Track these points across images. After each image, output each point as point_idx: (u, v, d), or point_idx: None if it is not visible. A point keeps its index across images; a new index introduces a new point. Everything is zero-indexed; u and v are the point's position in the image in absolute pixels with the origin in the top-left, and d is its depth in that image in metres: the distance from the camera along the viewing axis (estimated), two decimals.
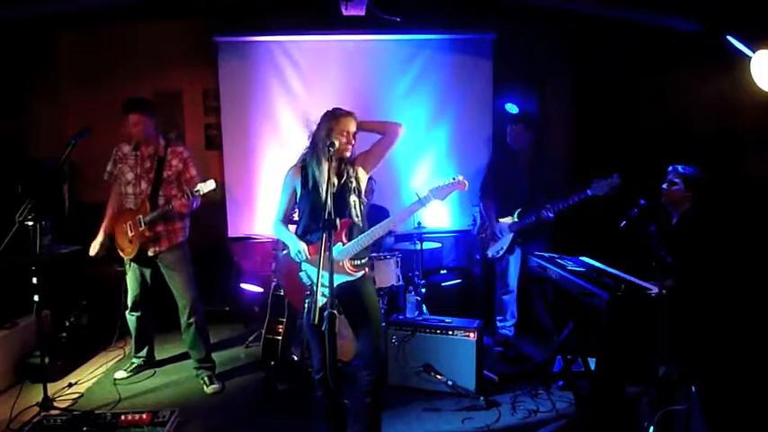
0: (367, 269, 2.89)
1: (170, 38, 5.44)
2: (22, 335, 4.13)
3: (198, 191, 3.62)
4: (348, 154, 2.86)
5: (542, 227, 4.40)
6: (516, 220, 4.47)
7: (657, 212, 3.54)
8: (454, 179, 2.78)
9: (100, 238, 3.97)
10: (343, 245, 2.80)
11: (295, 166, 2.95)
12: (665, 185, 3.52)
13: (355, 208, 2.87)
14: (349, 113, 2.86)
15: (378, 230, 2.79)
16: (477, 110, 5.55)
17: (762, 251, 3.52)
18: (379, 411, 2.92)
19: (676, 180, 3.48)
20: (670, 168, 3.54)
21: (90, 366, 4.36)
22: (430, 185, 2.81)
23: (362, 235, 2.80)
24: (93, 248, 3.97)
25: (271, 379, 4.04)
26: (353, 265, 2.83)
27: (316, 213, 2.81)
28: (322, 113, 2.90)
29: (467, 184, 2.79)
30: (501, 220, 4.57)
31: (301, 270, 2.87)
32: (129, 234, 3.86)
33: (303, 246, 2.84)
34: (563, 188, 4.37)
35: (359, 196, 2.90)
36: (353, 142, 2.86)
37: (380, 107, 5.45)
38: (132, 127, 3.80)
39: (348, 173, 2.88)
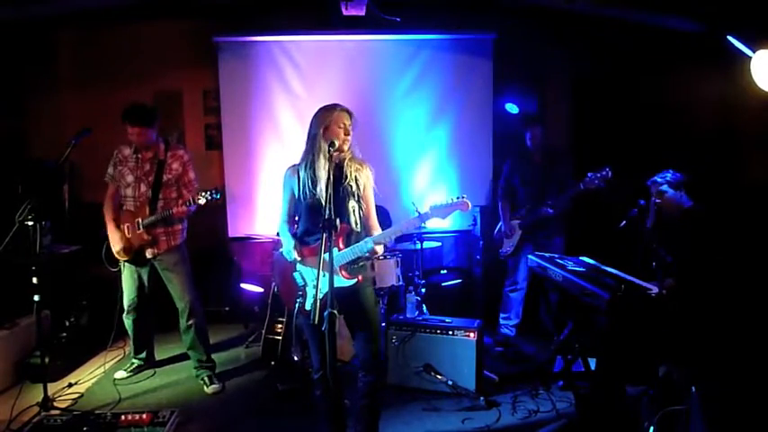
0: (361, 276, 2.82)
1: (170, 38, 5.44)
2: (22, 335, 4.12)
3: (199, 202, 3.62)
4: (346, 146, 2.79)
5: (550, 223, 4.45)
6: (524, 217, 4.53)
7: (656, 212, 3.55)
8: (458, 199, 2.71)
9: (115, 233, 3.88)
10: (339, 251, 2.75)
11: (292, 166, 2.92)
12: (657, 200, 3.51)
13: (354, 214, 2.82)
14: (344, 108, 2.82)
15: (372, 242, 2.74)
16: (477, 110, 5.54)
17: (761, 250, 3.53)
18: (377, 412, 2.92)
19: (663, 189, 3.50)
20: (648, 183, 3.56)
21: (90, 366, 4.36)
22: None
23: (356, 245, 2.75)
24: (115, 244, 3.88)
25: (271, 379, 4.04)
26: (348, 272, 2.79)
27: (314, 215, 2.78)
28: (315, 111, 2.85)
29: (470, 204, 2.72)
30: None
31: (295, 270, 2.86)
32: (127, 236, 3.86)
33: (294, 247, 2.80)
34: (565, 185, 4.40)
35: (358, 201, 2.84)
36: (351, 134, 2.79)
37: (380, 107, 5.45)
38: (132, 136, 3.78)
39: (349, 176, 2.81)
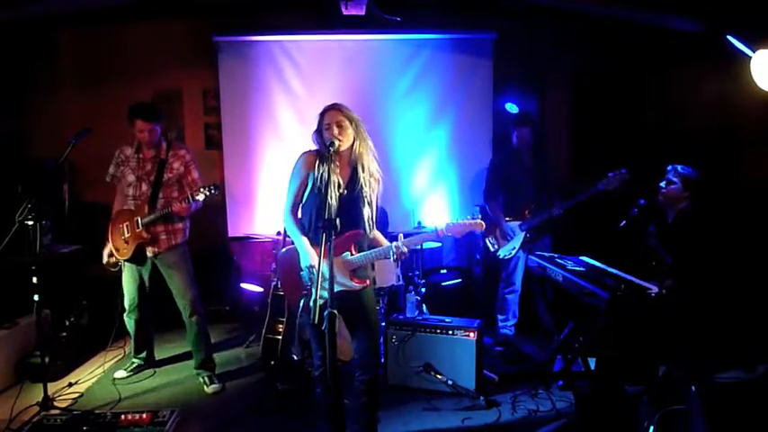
0: (368, 281, 2.84)
1: (170, 38, 5.44)
2: (22, 334, 4.12)
3: (198, 198, 3.62)
4: (343, 139, 2.73)
5: (550, 224, 4.43)
6: (527, 218, 4.50)
7: (656, 212, 3.56)
8: (473, 219, 2.75)
9: (110, 245, 3.94)
10: (351, 255, 2.75)
11: (310, 152, 2.83)
12: (662, 184, 3.54)
13: (369, 220, 2.81)
14: (331, 106, 2.80)
15: (386, 251, 2.74)
16: (477, 110, 5.54)
17: (760, 250, 3.53)
18: (375, 411, 2.92)
19: (675, 179, 3.50)
20: (669, 168, 3.56)
21: (90, 366, 4.36)
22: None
23: (370, 251, 2.76)
24: (106, 256, 3.95)
25: (271, 379, 4.04)
26: (357, 277, 2.79)
27: (322, 214, 2.75)
28: None
29: (484, 225, 2.77)
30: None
31: (302, 270, 2.84)
32: (126, 235, 3.85)
33: (314, 260, 2.70)
34: (566, 186, 4.39)
35: (370, 206, 2.83)
36: (341, 129, 2.74)
37: (380, 107, 5.45)
38: (138, 133, 3.79)
39: (363, 176, 2.80)
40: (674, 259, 3.27)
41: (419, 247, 4.64)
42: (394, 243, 2.74)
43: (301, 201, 2.87)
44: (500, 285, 4.73)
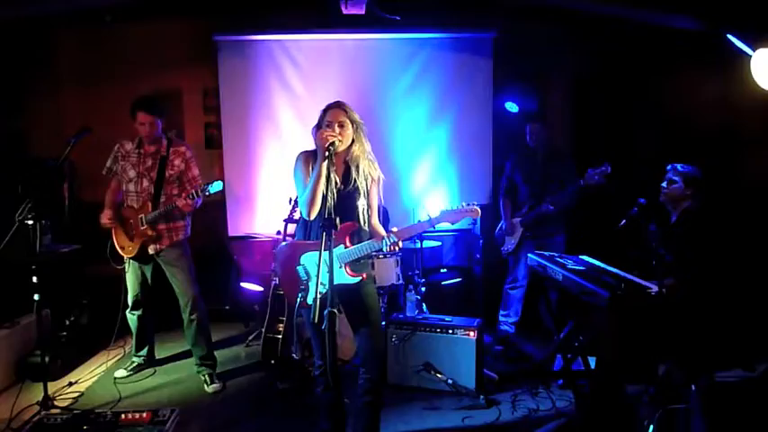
0: (365, 274, 2.84)
1: (170, 37, 5.44)
2: (22, 334, 4.13)
3: (204, 191, 3.62)
4: (343, 138, 2.74)
5: (551, 221, 4.46)
6: (525, 214, 4.55)
7: (656, 211, 3.56)
8: (468, 205, 2.72)
9: (108, 211, 3.92)
10: (346, 248, 2.76)
11: (306, 152, 2.86)
12: (664, 184, 3.54)
13: (363, 213, 2.83)
14: (335, 104, 2.82)
15: (380, 244, 2.74)
16: (477, 109, 5.54)
17: (761, 249, 3.53)
18: (378, 410, 2.91)
19: (675, 178, 3.49)
20: (669, 167, 3.56)
21: (90, 365, 4.36)
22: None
23: (364, 243, 2.76)
24: (105, 217, 3.91)
25: (271, 378, 4.04)
26: (353, 270, 2.80)
27: (322, 212, 2.77)
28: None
29: (479, 211, 2.73)
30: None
31: (299, 264, 2.85)
32: (131, 232, 3.86)
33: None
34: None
35: (369, 200, 2.86)
36: (342, 129, 2.75)
37: (380, 106, 5.45)
38: (139, 126, 3.79)
39: (357, 175, 2.82)
40: (677, 258, 3.26)
41: (418, 245, 4.65)
42: (387, 234, 2.76)
43: None
44: (506, 280, 4.76)
